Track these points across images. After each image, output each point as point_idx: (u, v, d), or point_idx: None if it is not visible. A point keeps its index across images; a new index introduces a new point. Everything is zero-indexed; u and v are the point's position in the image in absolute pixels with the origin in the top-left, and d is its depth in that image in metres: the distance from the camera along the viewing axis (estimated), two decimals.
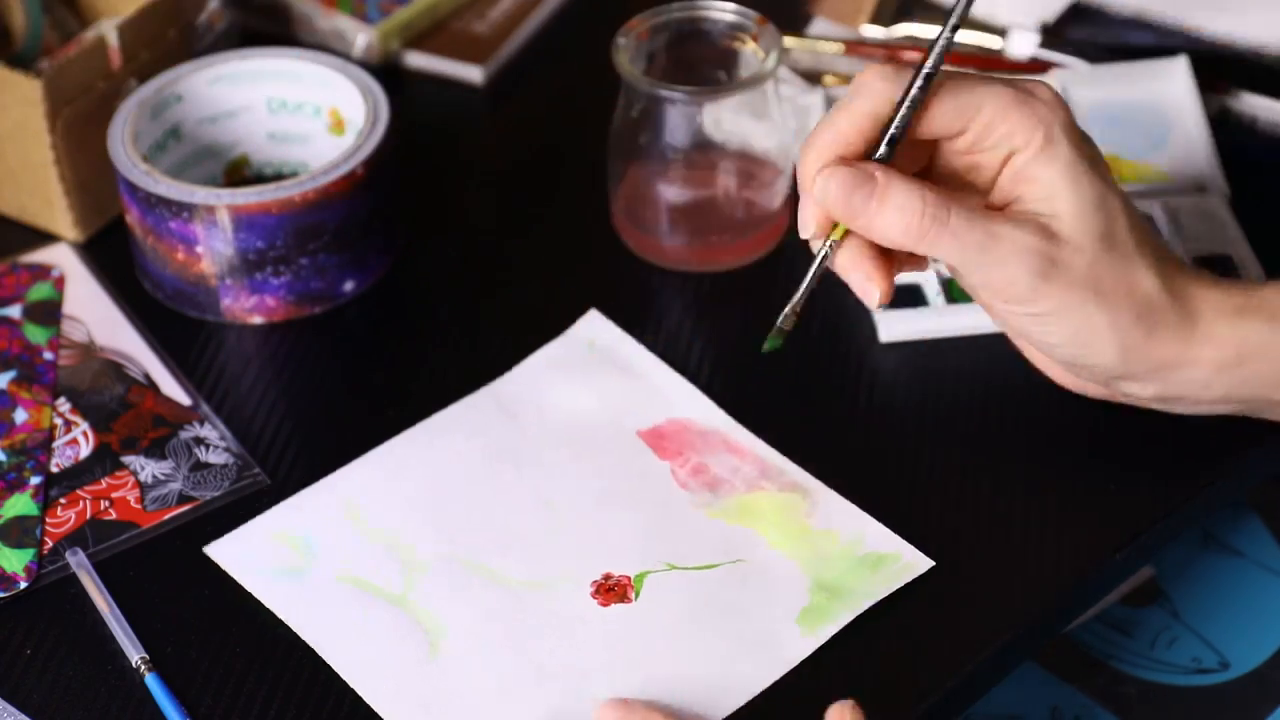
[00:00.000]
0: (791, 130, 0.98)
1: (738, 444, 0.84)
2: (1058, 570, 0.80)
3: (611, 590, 0.79)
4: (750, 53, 0.93)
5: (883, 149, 0.76)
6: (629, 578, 0.79)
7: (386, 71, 1.08)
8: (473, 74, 1.09)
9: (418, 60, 1.10)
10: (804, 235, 0.77)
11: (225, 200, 0.89)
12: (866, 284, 0.77)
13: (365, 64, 1.06)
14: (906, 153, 0.77)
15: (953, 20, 0.75)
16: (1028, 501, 0.81)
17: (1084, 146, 0.77)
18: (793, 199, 0.96)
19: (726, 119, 0.93)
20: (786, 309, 0.78)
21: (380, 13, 1.10)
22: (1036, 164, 0.76)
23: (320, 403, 0.89)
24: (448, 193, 1.02)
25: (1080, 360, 0.79)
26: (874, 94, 0.76)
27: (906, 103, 0.75)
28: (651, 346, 0.90)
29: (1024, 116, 0.75)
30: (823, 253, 0.77)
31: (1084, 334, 0.77)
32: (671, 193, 0.93)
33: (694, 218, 0.94)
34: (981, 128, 0.76)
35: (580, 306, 0.93)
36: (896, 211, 0.75)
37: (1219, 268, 0.91)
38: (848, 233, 0.77)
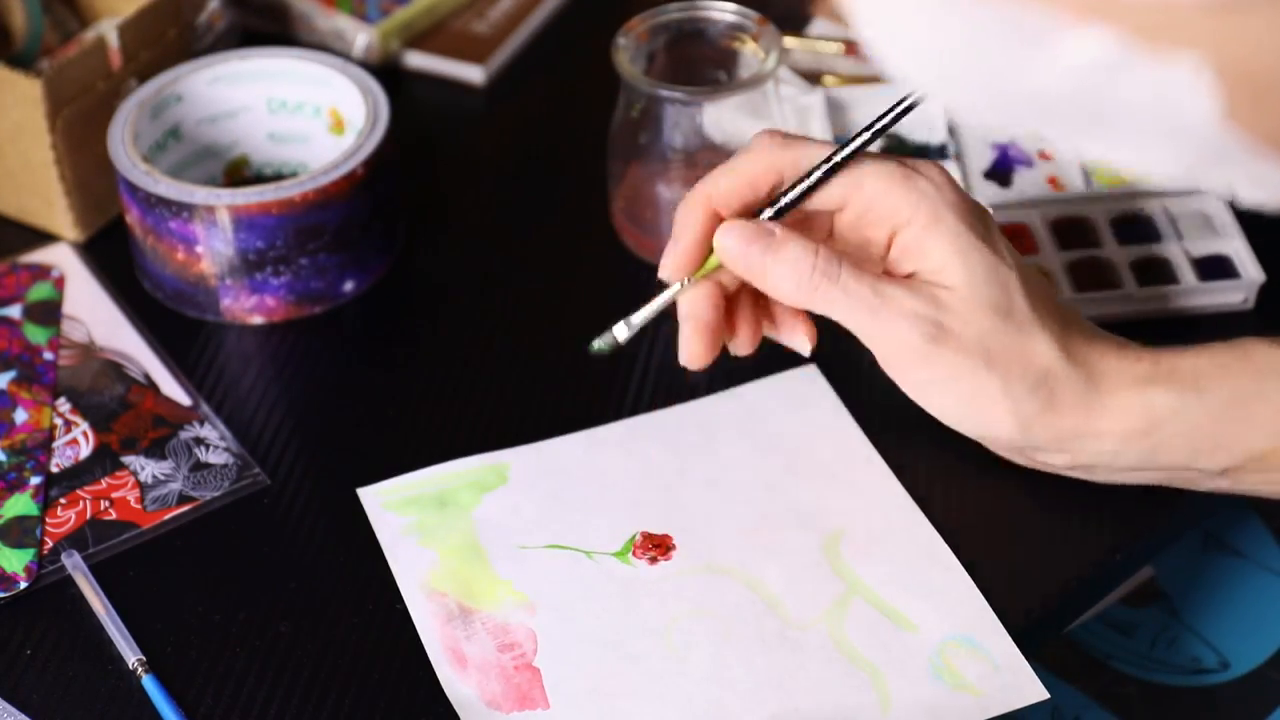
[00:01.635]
0: (791, 130, 0.98)
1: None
2: (1058, 570, 0.80)
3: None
4: (750, 53, 0.93)
5: (769, 212, 0.77)
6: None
7: (386, 71, 1.08)
8: (473, 74, 1.09)
9: (418, 60, 1.10)
10: (664, 276, 0.79)
11: (225, 200, 0.89)
12: (693, 338, 0.79)
13: (365, 64, 1.06)
14: (802, 225, 0.78)
15: (883, 121, 0.76)
16: (1028, 502, 0.81)
17: (974, 221, 0.76)
18: None
19: (726, 119, 0.92)
20: (634, 319, 0.80)
21: (380, 13, 1.10)
22: (923, 239, 0.76)
23: (320, 403, 0.89)
24: (448, 193, 1.02)
25: (980, 431, 0.79)
26: (759, 161, 0.76)
27: (806, 181, 0.76)
28: (651, 346, 0.90)
29: (906, 192, 0.76)
30: (677, 285, 0.79)
31: (978, 401, 0.76)
32: (671, 193, 0.93)
33: None
34: (864, 203, 0.76)
35: (580, 306, 0.93)
36: (789, 265, 0.75)
37: (1219, 268, 0.91)
38: (705, 277, 0.78)
